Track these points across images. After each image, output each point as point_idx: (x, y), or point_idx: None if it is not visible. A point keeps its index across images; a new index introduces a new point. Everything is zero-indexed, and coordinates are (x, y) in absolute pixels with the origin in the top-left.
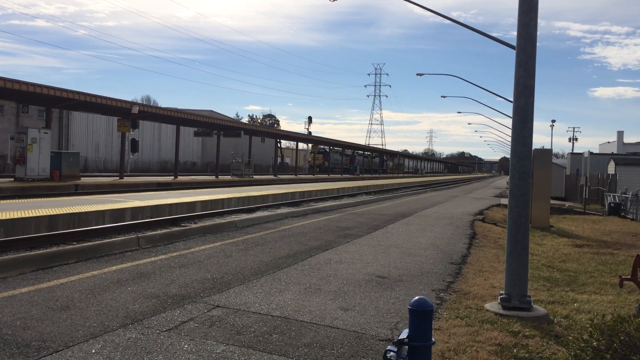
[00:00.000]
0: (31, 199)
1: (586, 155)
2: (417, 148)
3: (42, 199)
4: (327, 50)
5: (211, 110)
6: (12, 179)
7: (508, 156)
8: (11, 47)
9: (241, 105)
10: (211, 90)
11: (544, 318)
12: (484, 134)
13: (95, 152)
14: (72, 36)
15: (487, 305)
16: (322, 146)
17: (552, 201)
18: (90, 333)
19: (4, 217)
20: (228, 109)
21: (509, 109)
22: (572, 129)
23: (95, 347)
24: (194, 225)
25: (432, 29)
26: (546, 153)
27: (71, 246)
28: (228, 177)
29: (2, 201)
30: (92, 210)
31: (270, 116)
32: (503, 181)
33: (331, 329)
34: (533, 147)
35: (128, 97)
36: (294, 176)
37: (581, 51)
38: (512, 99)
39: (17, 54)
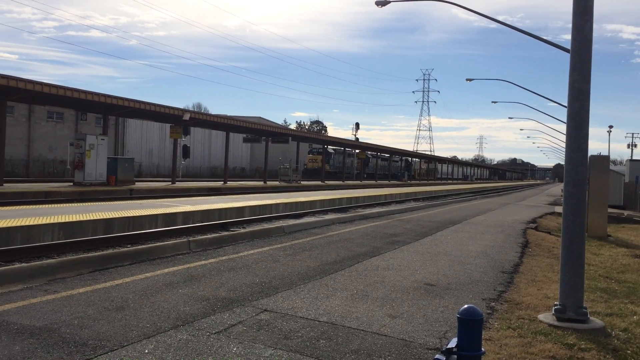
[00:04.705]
0: (89, 203)
1: None
2: (466, 154)
3: (99, 203)
4: (372, 57)
5: (259, 117)
6: (71, 184)
7: (562, 162)
8: (69, 57)
9: (288, 112)
10: (259, 97)
11: (600, 331)
12: (536, 139)
13: (149, 158)
14: (125, 46)
15: (541, 316)
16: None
17: (610, 209)
18: (144, 333)
19: (63, 220)
20: (276, 116)
21: (562, 114)
22: (630, 135)
23: (148, 347)
24: (242, 230)
25: (478, 33)
26: (603, 159)
27: (126, 249)
28: (276, 183)
29: (62, 205)
30: (145, 214)
31: (318, 122)
32: (557, 188)
33: (379, 336)
34: (589, 154)
35: (180, 105)
36: (341, 182)
37: (635, 54)
38: (565, 104)
39: (74, 63)
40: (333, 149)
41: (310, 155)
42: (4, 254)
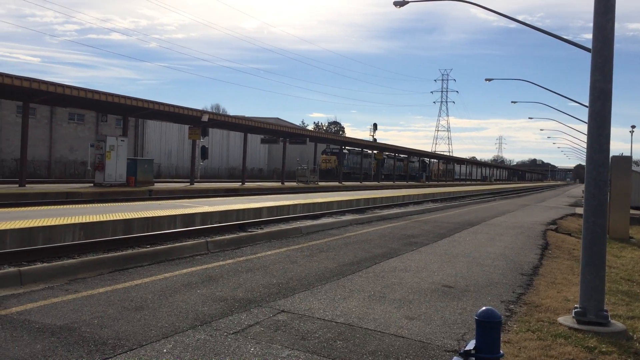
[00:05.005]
0: (109, 204)
1: None
2: (485, 155)
3: (119, 204)
4: (390, 57)
5: (277, 118)
6: (92, 184)
7: (583, 163)
8: (90, 60)
9: (306, 113)
10: (277, 98)
11: (622, 334)
12: (557, 140)
13: (168, 159)
14: (145, 48)
15: (561, 319)
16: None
17: (632, 211)
18: (162, 333)
19: (84, 221)
20: (293, 117)
21: (583, 113)
22: None
23: (166, 346)
24: (260, 231)
25: (497, 33)
26: (625, 160)
27: (145, 249)
28: (294, 184)
29: (82, 205)
30: (164, 214)
31: (335, 123)
32: (578, 190)
33: (396, 337)
34: (611, 154)
35: (198, 106)
36: (358, 183)
37: None
38: (587, 104)
39: (95, 66)
40: (347, 150)
41: (324, 156)
42: (27, 254)
